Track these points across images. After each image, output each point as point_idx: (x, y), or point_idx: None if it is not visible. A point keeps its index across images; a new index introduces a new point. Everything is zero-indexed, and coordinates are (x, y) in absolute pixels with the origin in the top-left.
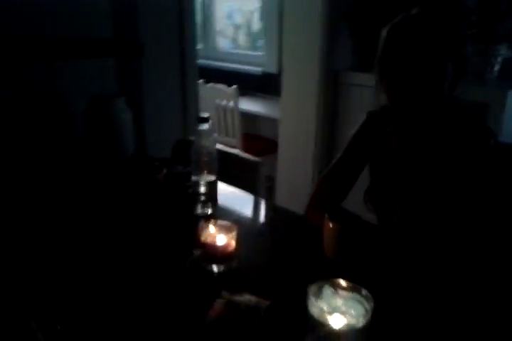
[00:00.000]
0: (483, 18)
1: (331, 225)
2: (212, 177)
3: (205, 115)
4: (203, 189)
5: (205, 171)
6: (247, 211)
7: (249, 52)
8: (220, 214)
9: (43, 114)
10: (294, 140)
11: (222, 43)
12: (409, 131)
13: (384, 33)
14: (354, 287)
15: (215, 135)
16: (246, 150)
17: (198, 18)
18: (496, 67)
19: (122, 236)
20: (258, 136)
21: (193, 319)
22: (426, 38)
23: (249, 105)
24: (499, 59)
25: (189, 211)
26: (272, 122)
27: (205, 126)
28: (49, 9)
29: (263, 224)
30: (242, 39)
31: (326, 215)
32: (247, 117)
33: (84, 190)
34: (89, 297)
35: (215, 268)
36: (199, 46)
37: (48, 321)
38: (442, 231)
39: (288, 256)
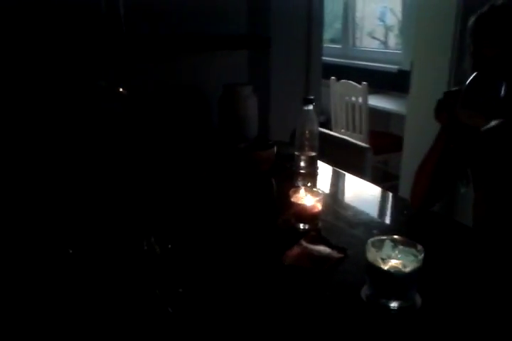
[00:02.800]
0: None
1: None
2: (313, 153)
3: (310, 97)
4: (303, 163)
5: (307, 148)
6: (344, 187)
7: (386, 51)
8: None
9: (185, 100)
10: (420, 137)
11: (373, 44)
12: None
13: (471, 21)
14: (411, 243)
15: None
16: (373, 147)
17: (340, 19)
18: None
19: (234, 196)
20: (388, 134)
21: (274, 257)
22: (509, 29)
23: (381, 102)
24: None
25: (291, 182)
26: (403, 120)
27: (309, 107)
28: (195, 11)
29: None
30: (392, 40)
31: None
32: (378, 114)
33: (210, 160)
34: (195, 231)
35: (301, 226)
36: (338, 46)
37: (162, 240)
38: None
39: (370, 226)
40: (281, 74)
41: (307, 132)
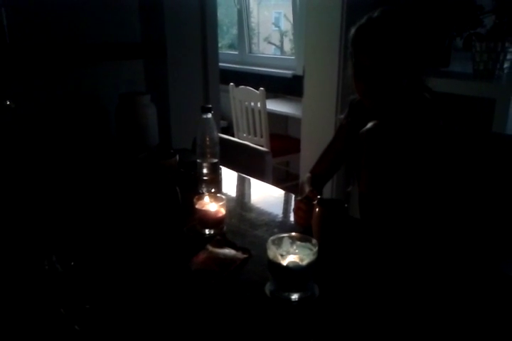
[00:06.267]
0: (499, 17)
1: (317, 210)
2: (215, 160)
3: (209, 105)
4: (206, 170)
5: (208, 155)
6: (247, 191)
7: (281, 56)
8: (224, 193)
9: (81, 110)
10: (315, 137)
11: (270, 49)
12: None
13: (352, 32)
14: (306, 238)
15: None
16: (273, 150)
17: (235, 26)
18: (506, 64)
19: (136, 206)
20: (286, 136)
21: (181, 264)
22: (384, 39)
23: (278, 107)
24: (509, 56)
25: (195, 189)
26: (300, 122)
27: (208, 115)
28: (88, 20)
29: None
30: (287, 45)
31: (316, 201)
32: (276, 118)
33: (109, 171)
34: (99, 245)
35: (207, 231)
36: (235, 52)
37: (64, 258)
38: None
39: (272, 226)
40: (178, 83)
41: (208, 140)
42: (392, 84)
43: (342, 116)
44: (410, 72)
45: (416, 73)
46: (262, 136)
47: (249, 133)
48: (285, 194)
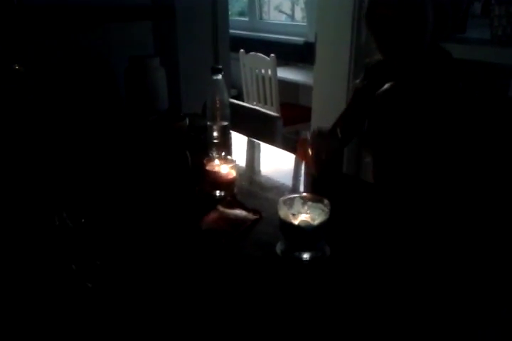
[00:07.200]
0: None
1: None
2: (225, 123)
3: (219, 66)
4: (216, 133)
5: (218, 118)
6: (257, 155)
7: (292, 23)
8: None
9: (90, 73)
10: (326, 106)
11: (279, 19)
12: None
13: None
14: (318, 198)
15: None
16: (284, 118)
17: None
18: None
19: (148, 168)
20: (298, 105)
21: (191, 223)
22: None
23: (289, 74)
24: None
25: (205, 153)
26: (311, 91)
27: (218, 76)
28: None
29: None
30: (298, 14)
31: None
32: (288, 86)
33: (120, 133)
34: (110, 203)
35: (217, 193)
36: (246, 19)
37: (75, 214)
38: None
39: (282, 189)
40: (188, 46)
41: (218, 102)
42: (414, 36)
43: (357, 81)
44: (432, 26)
45: (438, 30)
46: (272, 105)
47: (259, 102)
48: (295, 158)
